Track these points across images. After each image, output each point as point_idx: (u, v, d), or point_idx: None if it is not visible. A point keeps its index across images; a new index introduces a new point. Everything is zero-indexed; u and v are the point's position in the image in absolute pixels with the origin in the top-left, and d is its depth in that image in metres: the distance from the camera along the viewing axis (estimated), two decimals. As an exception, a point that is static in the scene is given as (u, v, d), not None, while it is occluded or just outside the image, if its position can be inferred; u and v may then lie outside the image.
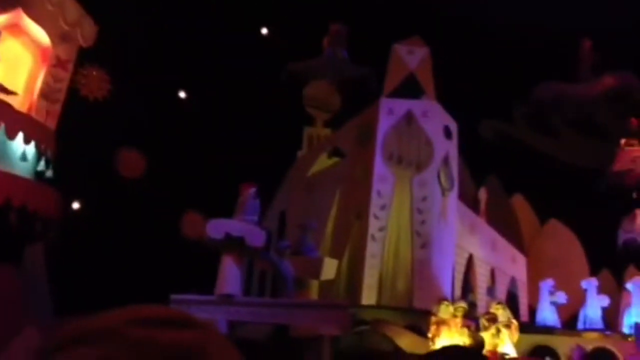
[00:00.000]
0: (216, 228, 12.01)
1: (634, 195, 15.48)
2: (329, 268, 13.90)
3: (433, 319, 12.79)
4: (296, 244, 13.92)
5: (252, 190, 12.61)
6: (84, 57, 14.52)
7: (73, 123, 13.67)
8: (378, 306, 14.84)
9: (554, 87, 18.95)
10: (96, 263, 15.98)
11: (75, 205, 17.24)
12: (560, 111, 20.03)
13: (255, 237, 12.25)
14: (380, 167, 16.05)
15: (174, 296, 11.72)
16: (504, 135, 20.59)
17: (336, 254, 15.48)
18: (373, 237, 15.53)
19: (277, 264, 12.55)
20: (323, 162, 17.74)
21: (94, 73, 15.50)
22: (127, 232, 16.38)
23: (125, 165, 17.51)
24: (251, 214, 12.28)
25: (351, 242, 15.92)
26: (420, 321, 13.65)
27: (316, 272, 13.43)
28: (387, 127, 16.30)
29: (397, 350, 12.22)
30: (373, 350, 11.89)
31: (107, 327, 1.46)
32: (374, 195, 15.78)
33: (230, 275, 11.74)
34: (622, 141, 17.51)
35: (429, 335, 12.75)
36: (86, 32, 13.04)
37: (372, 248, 15.42)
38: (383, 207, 15.81)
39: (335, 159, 17.46)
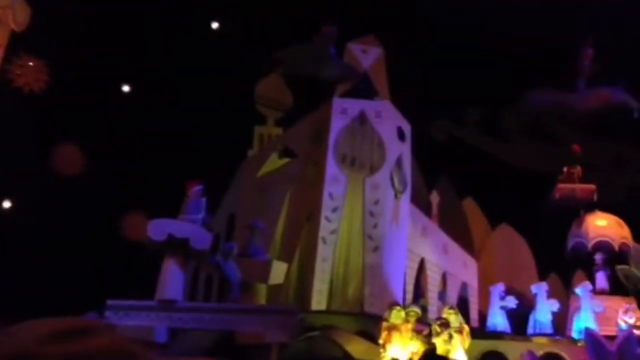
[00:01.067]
0: (158, 229, 11.34)
1: (582, 212, 15.63)
2: (278, 271, 13.38)
3: (384, 324, 12.41)
4: (243, 245, 13.35)
5: (198, 188, 11.98)
6: (20, 46, 13.58)
7: (4, 115, 12.71)
8: (328, 311, 14.41)
9: (551, 96, 18.86)
10: (29, 266, 14.97)
11: (6, 204, 16.18)
12: (517, 115, 20.10)
13: (201, 238, 11.64)
14: (332, 168, 15.65)
15: (110, 302, 10.97)
16: (456, 137, 20.53)
17: (286, 257, 14.98)
18: (324, 240, 15.10)
19: (223, 267, 11.94)
20: (274, 162, 17.21)
21: (31, 64, 14.53)
22: (63, 232, 15.43)
23: (62, 161, 16.51)
24: (196, 212, 11.65)
25: (301, 245, 15.44)
26: (371, 327, 13.27)
27: (264, 275, 12.89)
28: (340, 127, 15.92)
29: (347, 356, 11.79)
30: (322, 357, 11.42)
31: (19, 352, 1.17)
32: (325, 197, 15.36)
33: (172, 279, 11.08)
34: (564, 169, 17.70)
35: (380, 341, 12.36)
36: (19, 15, 12.13)
37: (323, 251, 14.99)
38: (335, 210, 15.41)
39: (286, 159, 16.95)
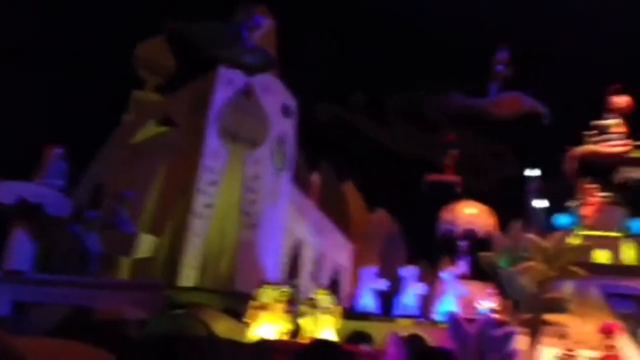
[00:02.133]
0: (8, 191, 10.22)
1: (457, 190, 16.14)
2: (145, 245, 12.66)
3: (253, 303, 12.09)
4: (109, 215, 12.46)
5: (58, 151, 10.94)
6: None
7: None
8: (196, 288, 13.86)
9: (464, 100, 19.03)
10: None
11: None
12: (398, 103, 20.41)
13: (58, 204, 10.66)
14: (212, 140, 15.03)
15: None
16: (340, 120, 20.55)
17: (156, 230, 14.22)
18: (198, 215, 14.49)
19: (81, 237, 11.01)
20: (150, 129, 16.23)
21: None
22: None
23: None
24: (54, 177, 10.64)
25: (174, 218, 14.70)
26: (240, 305, 12.88)
27: (129, 248, 12.13)
28: (224, 99, 15.31)
29: (211, 335, 11.32)
30: (184, 335, 10.87)
31: None
32: (203, 170, 14.74)
33: (20, 248, 10.07)
34: (454, 153, 18.16)
35: (248, 320, 12.03)
36: None
37: (196, 226, 14.38)
38: (212, 183, 14.82)
39: (163, 128, 16.03)
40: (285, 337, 12.00)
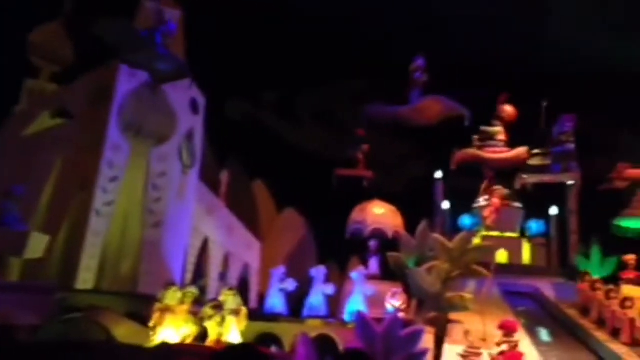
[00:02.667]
0: None
1: (365, 183, 16.24)
2: (38, 244, 11.72)
3: (157, 305, 11.50)
4: (-3, 213, 11.46)
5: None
6: None
7: None
8: (96, 291, 13.07)
9: (388, 110, 18.94)
10: None
11: None
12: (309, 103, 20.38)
13: None
14: (114, 135, 14.24)
15: None
16: (251, 118, 20.22)
17: (50, 228, 13.25)
18: (98, 212, 13.68)
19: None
20: (44, 121, 15.15)
21: None
22: None
23: None
24: None
25: (71, 216, 13.79)
26: (144, 308, 12.25)
27: (19, 248, 11.18)
28: (127, 91, 14.56)
29: (110, 340, 10.67)
30: (80, 340, 10.16)
31: None
32: (103, 165, 13.93)
33: None
34: (364, 148, 18.37)
35: (151, 323, 11.43)
36: None
37: (95, 224, 13.56)
38: (113, 180, 14.05)
39: (59, 120, 15.01)
40: (190, 341, 11.54)
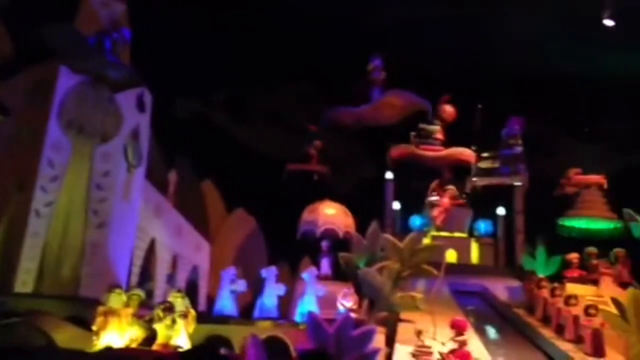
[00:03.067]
0: None
1: (315, 176, 16.15)
2: (-29, 246, 11.11)
3: (101, 309, 11.10)
4: None
5: None
6: None
7: None
8: (36, 295, 12.50)
9: (349, 112, 18.75)
10: None
11: None
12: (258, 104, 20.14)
13: None
14: (54, 132, 13.67)
15: None
16: (200, 117, 19.80)
17: (-16, 230, 12.60)
18: (37, 213, 13.09)
19: None
20: (-21, 117, 14.40)
21: None
22: None
23: None
24: None
25: (8, 216, 13.13)
26: (86, 312, 11.80)
27: (-50, 250, 10.56)
28: (68, 87, 14.00)
29: (51, 345, 10.20)
30: (18, 346, 9.67)
31: None
32: (43, 164, 13.35)
33: None
34: (317, 143, 18.31)
35: (94, 327, 11.01)
36: None
37: (34, 226, 12.98)
38: (54, 179, 13.48)
39: (-5, 116, 14.29)
40: (136, 345, 11.17)
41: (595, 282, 15.20)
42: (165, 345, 11.02)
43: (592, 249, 15.96)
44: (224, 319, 13.12)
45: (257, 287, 14.17)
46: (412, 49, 19.72)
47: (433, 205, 17.90)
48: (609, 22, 18.57)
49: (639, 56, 19.98)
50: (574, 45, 20.70)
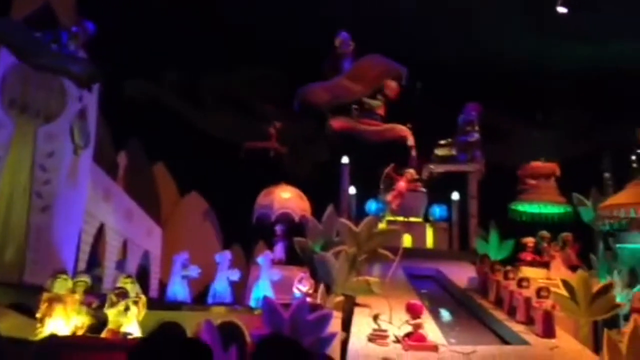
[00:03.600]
0: None
1: (271, 153, 15.76)
2: None
3: (45, 295, 10.61)
4: None
5: None
6: None
7: None
8: (-26, 281, 11.85)
9: (323, 88, 18.15)
10: None
11: None
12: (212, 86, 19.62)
13: None
14: (-4, 111, 12.93)
15: None
16: (152, 98, 19.15)
17: None
18: (-24, 196, 12.39)
19: None
20: None
21: None
22: None
23: None
24: None
25: (-56, 200, 12.40)
26: (30, 299, 11.28)
27: None
28: (9, 65, 13.26)
29: (-9, 335, 9.65)
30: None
31: None
32: (-17, 144, 12.63)
33: None
34: (277, 123, 18.01)
35: (38, 315, 10.52)
36: None
37: (-27, 209, 12.28)
38: (-5, 160, 12.76)
39: None
40: (82, 332, 10.75)
41: (546, 266, 15.50)
42: (115, 332, 10.64)
43: (544, 233, 16.26)
44: (176, 305, 12.77)
45: (210, 271, 13.84)
46: (372, 31, 19.53)
47: (388, 189, 17.85)
48: (562, 10, 18.84)
49: (592, 45, 20.40)
50: (528, 33, 20.93)
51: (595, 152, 19.36)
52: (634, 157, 17.59)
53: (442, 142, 18.94)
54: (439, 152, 18.92)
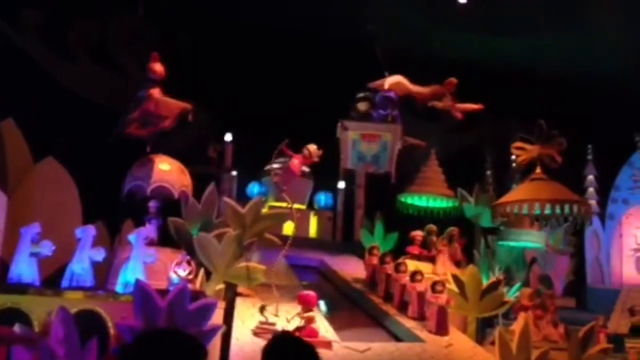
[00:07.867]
0: None
1: (148, 149, 13.61)
2: None
3: None
4: None
5: None
6: None
7: None
8: None
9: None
10: None
11: None
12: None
13: None
14: None
15: None
16: (5, 40, 16.19)
17: None
18: None
19: None
20: None
21: None
22: None
23: None
24: None
25: None
26: None
27: None
28: None
29: None
30: None
31: None
32: None
33: None
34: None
35: None
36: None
37: None
38: None
39: None
40: None
41: (433, 260, 15.15)
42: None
43: (432, 227, 15.93)
44: (21, 288, 10.56)
45: (66, 249, 11.65)
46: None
47: (276, 170, 16.44)
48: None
49: (489, 38, 20.60)
50: (425, 22, 20.69)
51: (478, 147, 19.55)
52: (513, 157, 17.89)
53: (361, 95, 17.31)
54: (361, 106, 17.16)
